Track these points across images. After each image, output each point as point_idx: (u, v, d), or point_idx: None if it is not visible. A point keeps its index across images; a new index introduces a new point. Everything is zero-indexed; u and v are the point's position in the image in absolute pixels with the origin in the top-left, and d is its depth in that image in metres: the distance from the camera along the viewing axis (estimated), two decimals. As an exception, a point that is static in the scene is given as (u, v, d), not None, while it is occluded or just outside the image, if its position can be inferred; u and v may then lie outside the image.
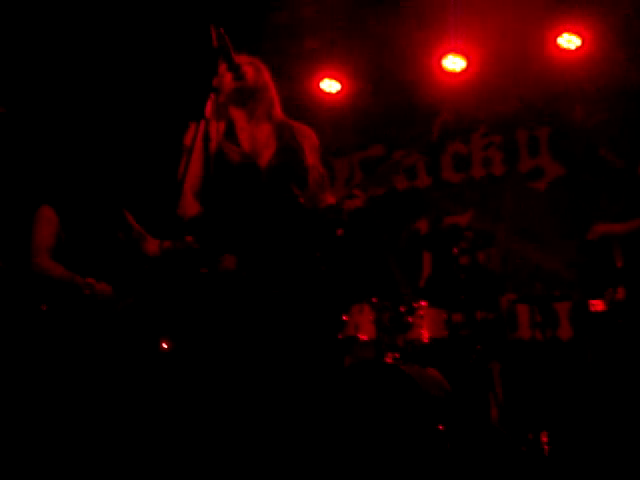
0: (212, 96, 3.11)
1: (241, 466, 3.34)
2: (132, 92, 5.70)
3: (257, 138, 3.62)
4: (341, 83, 6.75)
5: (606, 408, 4.80)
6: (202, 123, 3.08)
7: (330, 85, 6.74)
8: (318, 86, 6.74)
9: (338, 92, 6.78)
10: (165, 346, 5.91)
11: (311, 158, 3.66)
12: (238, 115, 3.63)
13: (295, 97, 5.74)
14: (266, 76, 3.69)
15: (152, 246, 4.58)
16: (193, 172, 3.43)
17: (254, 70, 3.63)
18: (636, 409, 4.49)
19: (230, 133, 3.62)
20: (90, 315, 4.28)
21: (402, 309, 5.36)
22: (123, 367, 4.37)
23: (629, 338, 4.42)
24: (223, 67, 3.33)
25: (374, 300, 5.34)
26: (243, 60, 3.55)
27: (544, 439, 5.12)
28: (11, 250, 4.69)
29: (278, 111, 3.70)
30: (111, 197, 4.56)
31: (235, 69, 3.39)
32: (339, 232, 3.56)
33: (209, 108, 3.08)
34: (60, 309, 4.24)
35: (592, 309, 5.02)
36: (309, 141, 3.67)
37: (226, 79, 3.53)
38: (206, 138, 3.10)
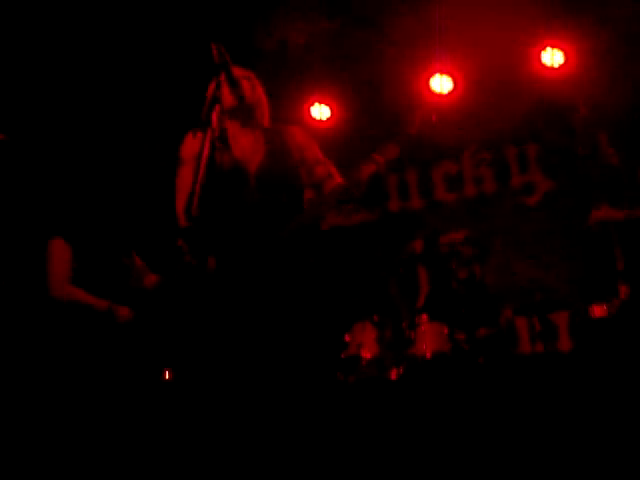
0: (217, 107, 3.19)
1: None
2: (133, 114, 5.77)
3: (248, 145, 3.72)
4: (331, 108, 6.85)
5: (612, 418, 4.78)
6: (209, 132, 3.14)
7: (320, 111, 6.83)
8: (309, 112, 6.84)
9: (328, 119, 6.87)
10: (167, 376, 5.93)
11: (309, 153, 3.75)
12: (231, 125, 3.72)
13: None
14: (260, 90, 3.81)
15: (150, 280, 4.66)
16: (187, 182, 3.51)
17: (250, 85, 3.74)
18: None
19: (224, 142, 3.71)
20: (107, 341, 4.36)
21: (404, 325, 5.41)
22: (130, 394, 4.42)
23: (634, 338, 4.43)
24: (223, 80, 3.42)
25: (375, 318, 5.39)
26: (239, 73, 3.65)
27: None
28: (19, 279, 4.75)
29: (268, 119, 3.81)
30: (119, 227, 4.65)
31: (234, 84, 3.47)
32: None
33: (215, 118, 3.15)
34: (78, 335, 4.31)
35: (594, 315, 5.05)
36: (300, 139, 3.76)
37: (224, 91, 3.63)
38: (212, 148, 3.16)
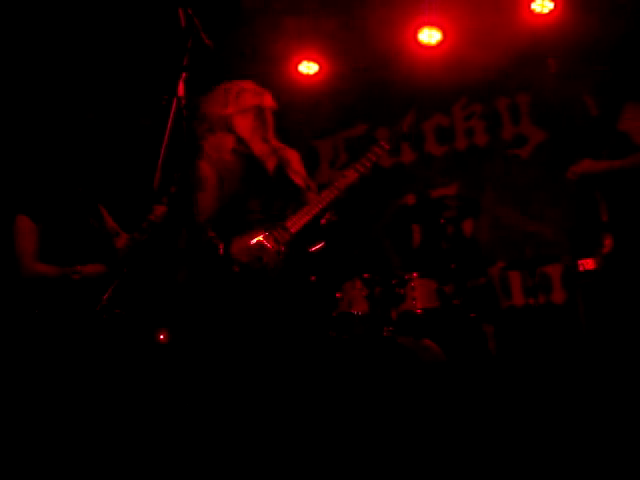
0: (183, 75, 3.14)
1: (243, 449, 3.38)
2: (105, 80, 5.70)
3: (260, 150, 4.02)
4: (319, 64, 6.74)
5: (603, 372, 4.79)
6: (174, 102, 3.10)
7: (308, 67, 6.74)
8: (296, 69, 6.75)
9: (316, 73, 6.78)
10: (162, 337, 5.94)
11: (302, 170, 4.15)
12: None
13: (274, 80, 5.73)
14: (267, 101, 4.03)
15: (122, 242, 4.66)
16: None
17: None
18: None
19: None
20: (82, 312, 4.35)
21: (393, 282, 5.40)
22: (121, 361, 4.42)
23: (621, 290, 4.41)
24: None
25: (365, 275, 5.37)
26: (248, 86, 3.95)
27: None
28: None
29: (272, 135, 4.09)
30: (85, 192, 4.61)
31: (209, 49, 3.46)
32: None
33: (181, 87, 3.11)
34: (53, 310, 4.31)
35: (581, 269, 5.03)
36: (296, 157, 4.16)
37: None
38: (179, 117, 3.12)
